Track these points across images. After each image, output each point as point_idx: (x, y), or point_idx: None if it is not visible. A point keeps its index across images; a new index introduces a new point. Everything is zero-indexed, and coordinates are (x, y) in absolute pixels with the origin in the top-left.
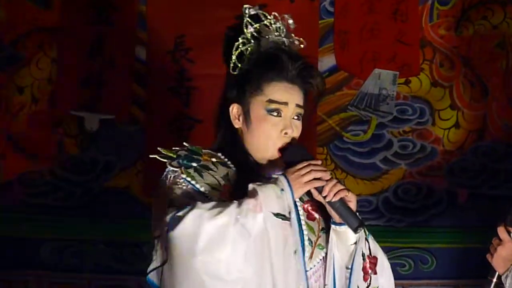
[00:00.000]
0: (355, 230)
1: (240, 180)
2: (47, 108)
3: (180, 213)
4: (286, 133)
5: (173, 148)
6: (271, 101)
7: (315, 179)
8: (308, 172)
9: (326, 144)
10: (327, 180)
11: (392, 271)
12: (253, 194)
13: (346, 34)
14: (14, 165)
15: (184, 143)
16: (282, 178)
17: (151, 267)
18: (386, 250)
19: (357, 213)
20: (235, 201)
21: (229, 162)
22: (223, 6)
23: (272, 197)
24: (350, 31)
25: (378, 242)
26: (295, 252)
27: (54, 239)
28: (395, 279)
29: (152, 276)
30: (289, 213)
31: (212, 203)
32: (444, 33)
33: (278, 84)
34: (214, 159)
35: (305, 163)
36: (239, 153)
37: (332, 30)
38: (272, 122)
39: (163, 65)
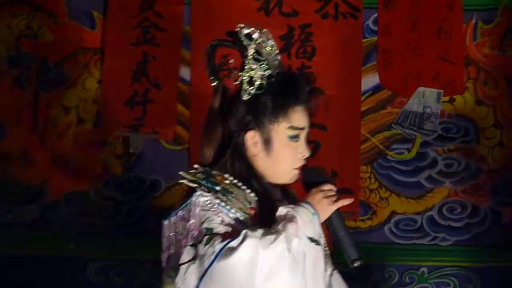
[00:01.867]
0: (352, 262)
1: (264, 204)
2: (93, 128)
3: (233, 244)
4: (303, 156)
5: (190, 171)
6: (292, 128)
7: (338, 198)
8: (332, 193)
9: (370, 163)
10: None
11: None
12: (292, 218)
13: (390, 52)
14: (61, 184)
15: (195, 165)
16: (307, 203)
17: None
18: (430, 269)
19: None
20: (277, 226)
21: (240, 184)
22: (268, 24)
23: (307, 222)
24: (393, 49)
25: (422, 261)
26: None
27: (99, 258)
28: None
29: None
30: (319, 237)
31: (260, 231)
32: (488, 52)
33: (297, 109)
34: (226, 181)
35: (328, 185)
36: (257, 178)
37: (376, 49)
38: (293, 147)
39: (206, 84)
